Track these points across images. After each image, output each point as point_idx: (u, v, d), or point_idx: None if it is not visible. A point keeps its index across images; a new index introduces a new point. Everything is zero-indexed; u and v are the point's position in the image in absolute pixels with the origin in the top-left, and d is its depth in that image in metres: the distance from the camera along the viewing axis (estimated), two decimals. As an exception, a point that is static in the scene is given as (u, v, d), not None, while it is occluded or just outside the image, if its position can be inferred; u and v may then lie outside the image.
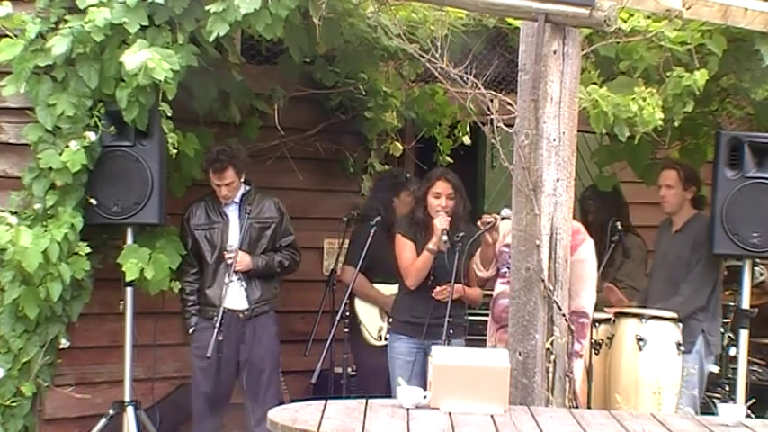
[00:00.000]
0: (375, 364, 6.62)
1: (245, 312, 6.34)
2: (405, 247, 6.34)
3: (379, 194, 6.95)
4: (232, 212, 6.39)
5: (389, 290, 6.68)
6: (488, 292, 6.21)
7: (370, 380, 6.68)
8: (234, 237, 6.35)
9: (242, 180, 6.37)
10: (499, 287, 5.88)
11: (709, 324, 6.60)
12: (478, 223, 5.89)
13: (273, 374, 6.46)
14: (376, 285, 6.84)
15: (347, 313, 6.49)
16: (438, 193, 6.24)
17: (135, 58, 5.53)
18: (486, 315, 6.27)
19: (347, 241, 6.90)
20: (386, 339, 6.63)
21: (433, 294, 6.21)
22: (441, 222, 6.13)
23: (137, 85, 5.63)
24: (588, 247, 5.71)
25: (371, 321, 6.89)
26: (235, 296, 6.34)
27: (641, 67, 6.17)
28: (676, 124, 6.25)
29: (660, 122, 5.92)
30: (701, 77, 6.00)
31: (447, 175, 6.34)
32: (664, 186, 6.75)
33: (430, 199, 6.26)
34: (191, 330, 6.39)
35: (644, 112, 5.81)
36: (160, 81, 5.56)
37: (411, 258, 6.30)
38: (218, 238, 6.35)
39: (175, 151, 5.93)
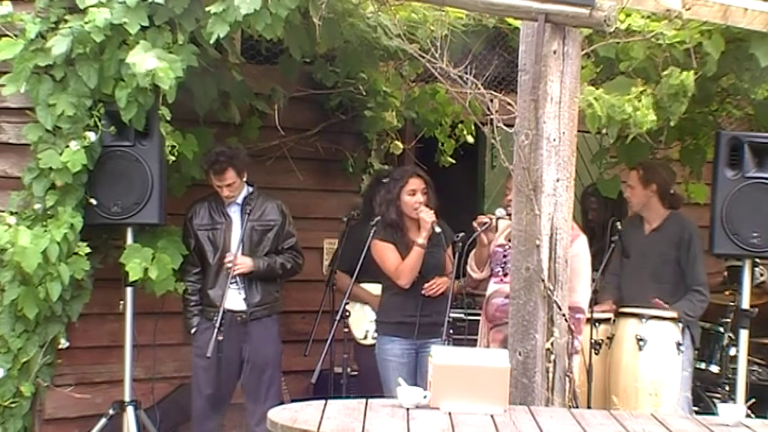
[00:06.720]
0: (366, 362, 6.61)
1: (243, 315, 6.34)
2: (386, 251, 6.30)
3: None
4: (234, 213, 6.39)
5: (377, 289, 6.62)
6: (481, 293, 6.21)
7: (363, 379, 6.67)
8: (236, 238, 6.34)
9: (244, 180, 6.38)
10: (493, 286, 5.88)
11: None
12: (474, 224, 5.90)
13: (275, 375, 6.46)
14: (364, 285, 6.77)
15: (347, 313, 6.48)
16: (413, 190, 6.27)
17: (145, 63, 5.52)
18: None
19: (343, 240, 6.87)
20: (374, 339, 6.61)
21: (423, 291, 6.22)
22: (428, 216, 6.17)
23: (136, 85, 5.63)
24: (581, 242, 5.70)
25: (358, 321, 6.87)
26: (234, 298, 6.34)
27: (639, 66, 6.16)
28: (673, 124, 6.25)
29: (653, 123, 5.91)
30: (686, 77, 5.98)
31: (418, 172, 6.40)
32: (627, 186, 6.86)
33: (405, 197, 6.27)
34: (192, 331, 6.39)
35: (638, 113, 5.81)
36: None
37: (396, 259, 6.27)
38: (221, 238, 6.36)
39: (174, 156, 5.96)
